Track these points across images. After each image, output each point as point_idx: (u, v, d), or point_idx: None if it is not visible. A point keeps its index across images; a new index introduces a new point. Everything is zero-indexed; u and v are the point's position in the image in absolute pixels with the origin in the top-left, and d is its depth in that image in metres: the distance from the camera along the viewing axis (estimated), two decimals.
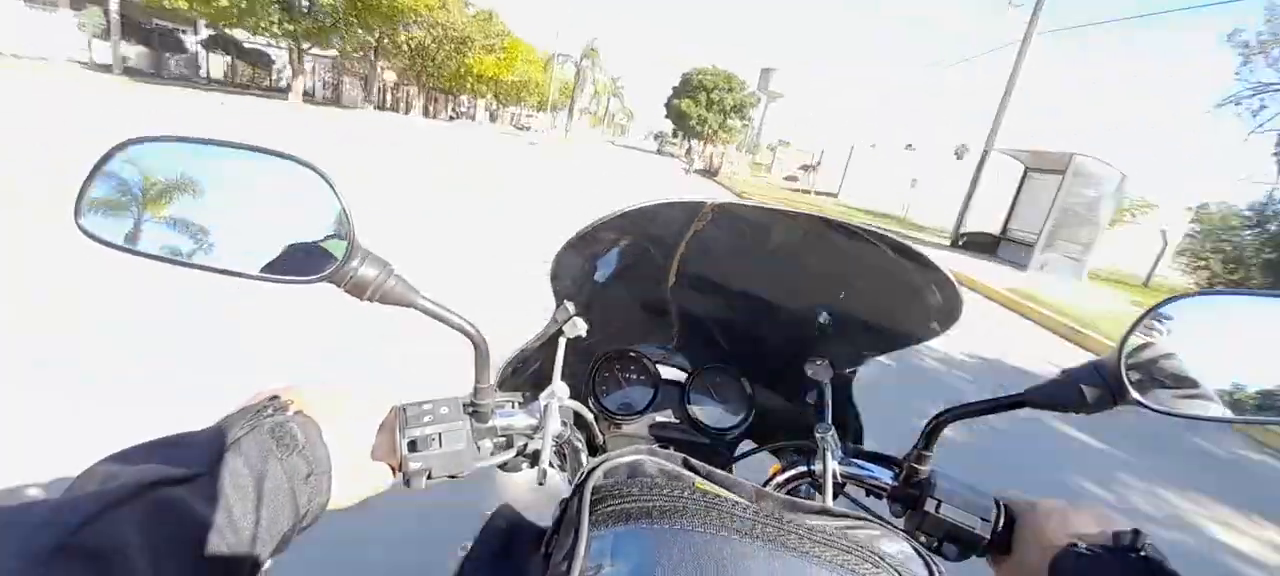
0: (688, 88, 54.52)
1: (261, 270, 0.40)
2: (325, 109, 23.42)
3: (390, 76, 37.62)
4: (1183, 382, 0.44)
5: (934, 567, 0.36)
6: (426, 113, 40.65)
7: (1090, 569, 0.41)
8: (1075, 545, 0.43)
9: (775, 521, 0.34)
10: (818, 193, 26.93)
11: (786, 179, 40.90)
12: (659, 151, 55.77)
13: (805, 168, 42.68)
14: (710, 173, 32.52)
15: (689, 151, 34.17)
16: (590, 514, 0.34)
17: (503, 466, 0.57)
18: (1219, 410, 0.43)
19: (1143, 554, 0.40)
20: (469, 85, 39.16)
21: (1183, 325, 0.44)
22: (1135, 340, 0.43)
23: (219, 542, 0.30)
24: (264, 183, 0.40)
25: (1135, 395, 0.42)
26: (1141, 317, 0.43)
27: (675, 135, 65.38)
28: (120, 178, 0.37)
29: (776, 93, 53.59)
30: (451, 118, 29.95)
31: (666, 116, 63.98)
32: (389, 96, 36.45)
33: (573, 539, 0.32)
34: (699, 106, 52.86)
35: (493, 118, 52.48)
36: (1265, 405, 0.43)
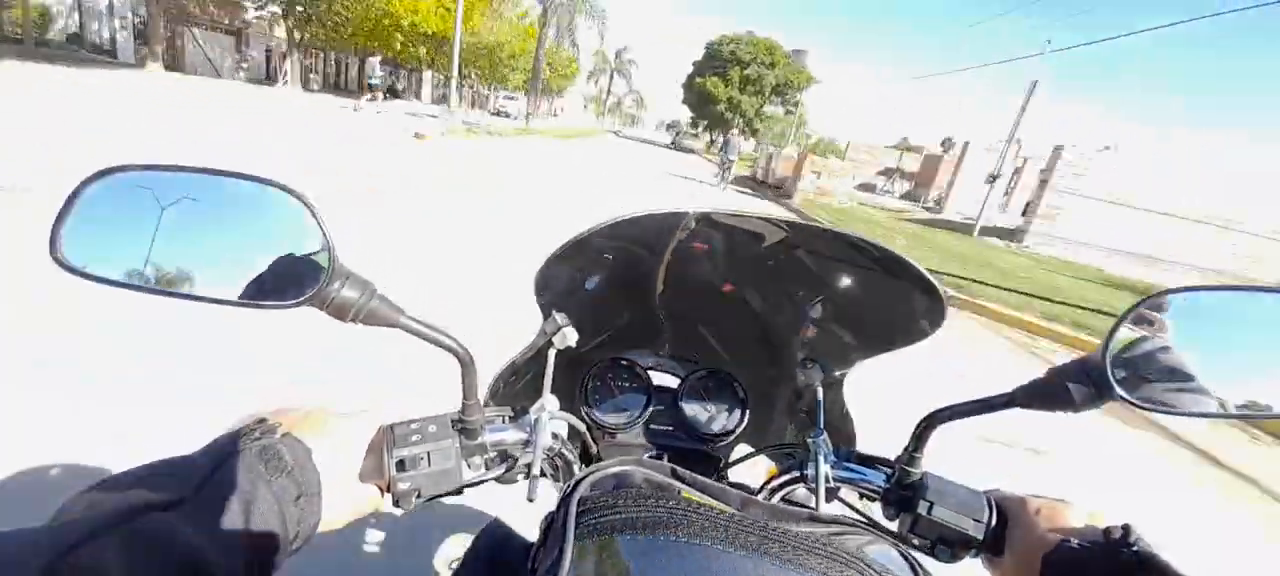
0: (714, 62, 41.68)
1: (241, 296, 0.40)
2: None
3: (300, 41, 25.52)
4: (1169, 378, 0.43)
5: (921, 573, 0.36)
6: (327, 84, 28.29)
7: (1082, 564, 0.41)
8: (1067, 541, 0.42)
9: (761, 531, 0.34)
10: (990, 229, 13.97)
11: (861, 187, 28.11)
12: (674, 145, 43.15)
13: (887, 173, 29.98)
14: (771, 187, 19.32)
15: (721, 146, 18.81)
16: (576, 527, 0.34)
17: (496, 482, 0.57)
18: (1206, 405, 0.43)
19: (1135, 548, 0.39)
20: (399, 46, 26.63)
21: (1168, 321, 0.43)
22: (1121, 337, 0.43)
23: (205, 567, 0.30)
24: (243, 208, 0.41)
25: (1121, 392, 0.41)
26: (1126, 314, 0.43)
27: (695, 125, 52.75)
28: (96, 208, 0.37)
29: (812, 77, 40.53)
30: (371, 97, 18.11)
31: (684, 102, 51.28)
32: (292, 64, 24.21)
33: (557, 553, 0.32)
34: (729, 87, 40.12)
35: (463, 100, 40.39)
36: (1252, 400, 0.42)
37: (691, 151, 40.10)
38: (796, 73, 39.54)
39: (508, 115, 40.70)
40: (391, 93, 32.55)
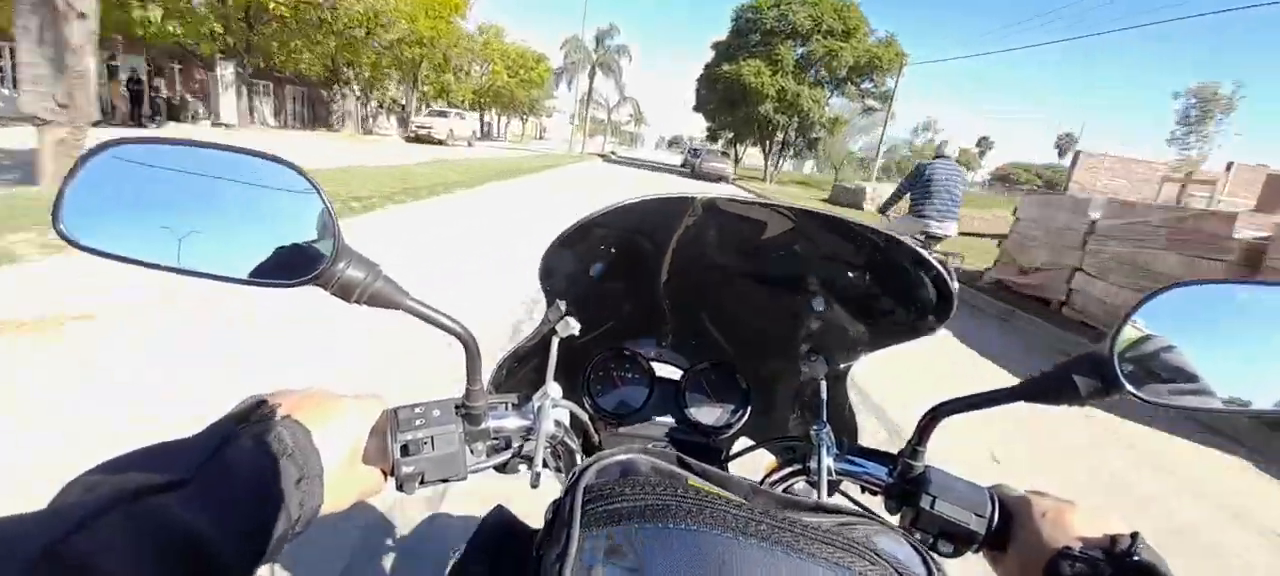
0: (749, 37, 27.01)
1: (245, 273, 0.40)
2: None
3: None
4: (1177, 374, 0.43)
5: (931, 564, 0.36)
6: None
7: (1085, 573, 0.41)
8: (1070, 546, 0.42)
9: (770, 520, 0.34)
10: None
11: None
12: (689, 168, 28.66)
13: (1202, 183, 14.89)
14: None
15: (908, 186, 5.31)
16: (582, 514, 0.34)
17: (498, 469, 0.57)
18: (1214, 401, 0.43)
19: (1137, 558, 0.39)
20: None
21: (1176, 315, 0.43)
22: (1129, 331, 0.43)
23: (205, 549, 0.30)
24: (247, 185, 0.40)
25: (1129, 387, 0.41)
26: (1135, 308, 0.43)
27: (713, 137, 38.14)
28: (100, 180, 0.37)
29: (904, 55, 25.72)
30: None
31: (697, 107, 36.68)
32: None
33: (564, 540, 0.32)
34: (778, 73, 25.41)
35: (355, 120, 25.81)
36: (1257, 395, 0.42)
37: (721, 178, 25.24)
38: (883, 47, 24.80)
39: (439, 141, 26.44)
40: (159, 109, 17.84)
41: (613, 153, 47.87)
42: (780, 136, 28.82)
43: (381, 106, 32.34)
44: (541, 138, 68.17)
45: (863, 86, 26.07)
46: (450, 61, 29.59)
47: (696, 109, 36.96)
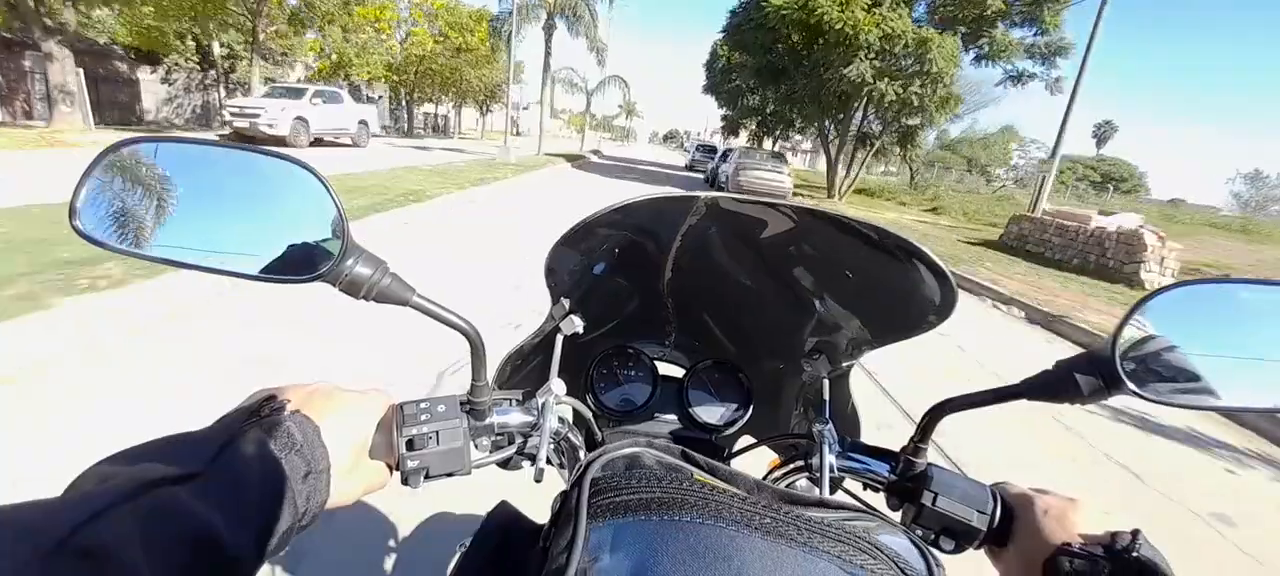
0: None
1: (256, 270, 0.40)
2: None
3: None
4: (1177, 372, 0.44)
5: (930, 559, 0.37)
6: None
7: (1083, 571, 0.41)
8: (1070, 543, 0.43)
9: (773, 513, 0.34)
10: None
11: None
12: (704, 171, 18.13)
13: None
14: None
15: None
16: (588, 506, 0.34)
17: (502, 464, 0.58)
18: (1216, 399, 0.43)
19: (1136, 554, 0.40)
20: None
21: (1177, 314, 0.44)
22: (1130, 330, 0.43)
23: (218, 542, 0.30)
24: (258, 183, 0.41)
25: (1130, 385, 0.42)
26: (1136, 307, 0.43)
27: (733, 130, 27.14)
28: (115, 178, 0.38)
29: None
30: None
31: (710, 89, 25.63)
32: None
33: (571, 531, 0.33)
34: (881, 4, 13.75)
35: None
36: (1258, 393, 0.43)
37: (770, 201, 14.19)
38: None
39: (277, 138, 15.07)
40: None
41: (595, 152, 36.61)
42: (857, 123, 17.66)
43: (240, 85, 21.09)
44: (517, 134, 56.65)
45: (1014, 35, 15.05)
46: (320, 10, 18.39)
47: (708, 90, 25.86)
